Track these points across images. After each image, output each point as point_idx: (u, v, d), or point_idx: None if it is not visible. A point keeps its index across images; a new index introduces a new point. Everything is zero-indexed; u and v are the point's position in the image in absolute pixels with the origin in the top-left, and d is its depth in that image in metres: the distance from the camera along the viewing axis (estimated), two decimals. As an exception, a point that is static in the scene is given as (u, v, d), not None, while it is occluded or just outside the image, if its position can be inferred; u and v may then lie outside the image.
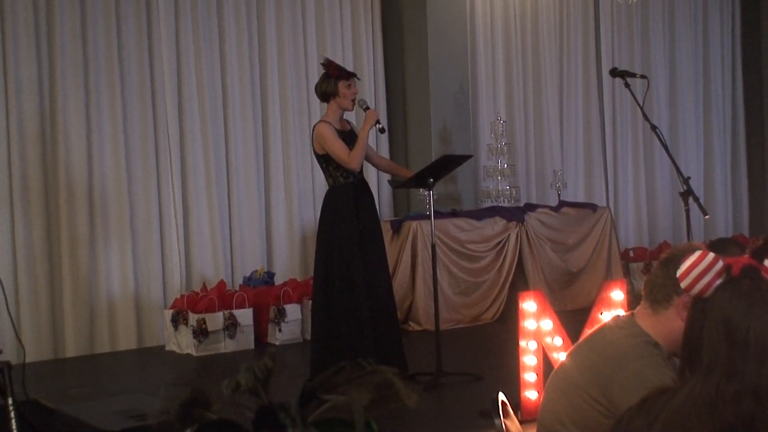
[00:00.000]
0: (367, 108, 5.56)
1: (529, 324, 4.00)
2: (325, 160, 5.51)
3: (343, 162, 5.42)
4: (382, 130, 5.58)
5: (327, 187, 5.63)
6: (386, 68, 8.59)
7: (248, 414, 1.20)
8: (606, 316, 3.32)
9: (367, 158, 5.66)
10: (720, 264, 1.71)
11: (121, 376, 6.50)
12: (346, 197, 5.49)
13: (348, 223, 5.46)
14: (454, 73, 8.32)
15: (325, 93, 5.55)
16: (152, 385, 5.87)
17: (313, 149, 5.60)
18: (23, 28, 6.83)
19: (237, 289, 7.35)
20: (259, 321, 7.10)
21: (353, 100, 5.52)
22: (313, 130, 5.60)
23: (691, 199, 4.60)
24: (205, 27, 7.60)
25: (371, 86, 8.39)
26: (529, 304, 3.97)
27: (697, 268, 1.73)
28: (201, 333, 6.74)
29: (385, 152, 8.23)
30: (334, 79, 5.50)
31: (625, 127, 9.76)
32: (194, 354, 6.75)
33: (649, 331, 2.30)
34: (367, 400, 1.20)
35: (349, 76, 5.55)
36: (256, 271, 7.49)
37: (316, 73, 7.50)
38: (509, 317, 6.92)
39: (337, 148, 5.42)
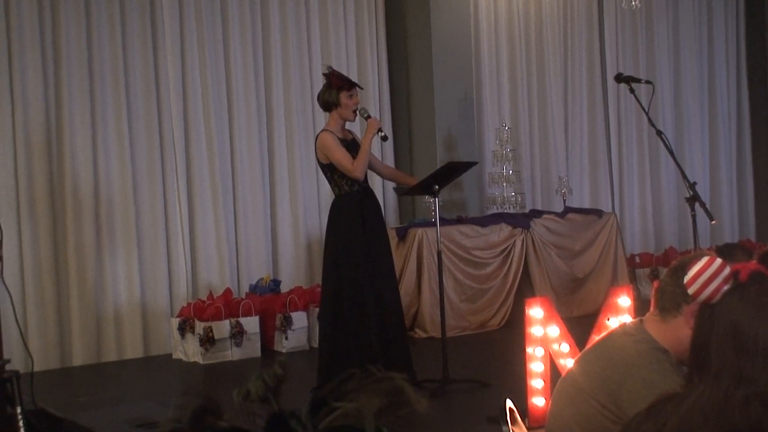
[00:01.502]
0: (369, 117, 5.54)
1: (535, 330, 4.00)
2: (330, 170, 5.50)
3: (347, 171, 5.41)
4: (384, 138, 5.56)
5: (332, 196, 5.62)
6: (390, 76, 8.60)
7: (259, 422, 1.20)
8: (613, 322, 3.32)
9: (371, 167, 5.65)
10: (727, 270, 1.72)
11: (128, 384, 6.50)
12: (352, 206, 5.47)
13: (354, 232, 5.45)
14: (459, 80, 8.32)
15: (327, 103, 5.53)
16: (159, 393, 5.88)
17: (317, 159, 5.59)
18: (29, 40, 6.85)
19: (243, 297, 7.35)
20: (265, 329, 7.11)
21: (355, 111, 5.50)
22: (316, 139, 5.60)
23: (697, 205, 4.59)
24: (210, 37, 7.62)
25: (376, 94, 8.40)
26: (535, 311, 3.97)
27: (705, 274, 1.73)
28: (208, 341, 6.74)
29: (390, 159, 8.23)
30: (335, 90, 5.47)
31: (631, 132, 9.75)
32: (201, 362, 6.75)
33: (658, 338, 2.30)
34: (377, 406, 1.21)
35: (351, 86, 5.52)
36: (262, 278, 7.49)
37: (320, 81, 7.48)
38: (516, 324, 6.92)
39: (341, 157, 5.41)
